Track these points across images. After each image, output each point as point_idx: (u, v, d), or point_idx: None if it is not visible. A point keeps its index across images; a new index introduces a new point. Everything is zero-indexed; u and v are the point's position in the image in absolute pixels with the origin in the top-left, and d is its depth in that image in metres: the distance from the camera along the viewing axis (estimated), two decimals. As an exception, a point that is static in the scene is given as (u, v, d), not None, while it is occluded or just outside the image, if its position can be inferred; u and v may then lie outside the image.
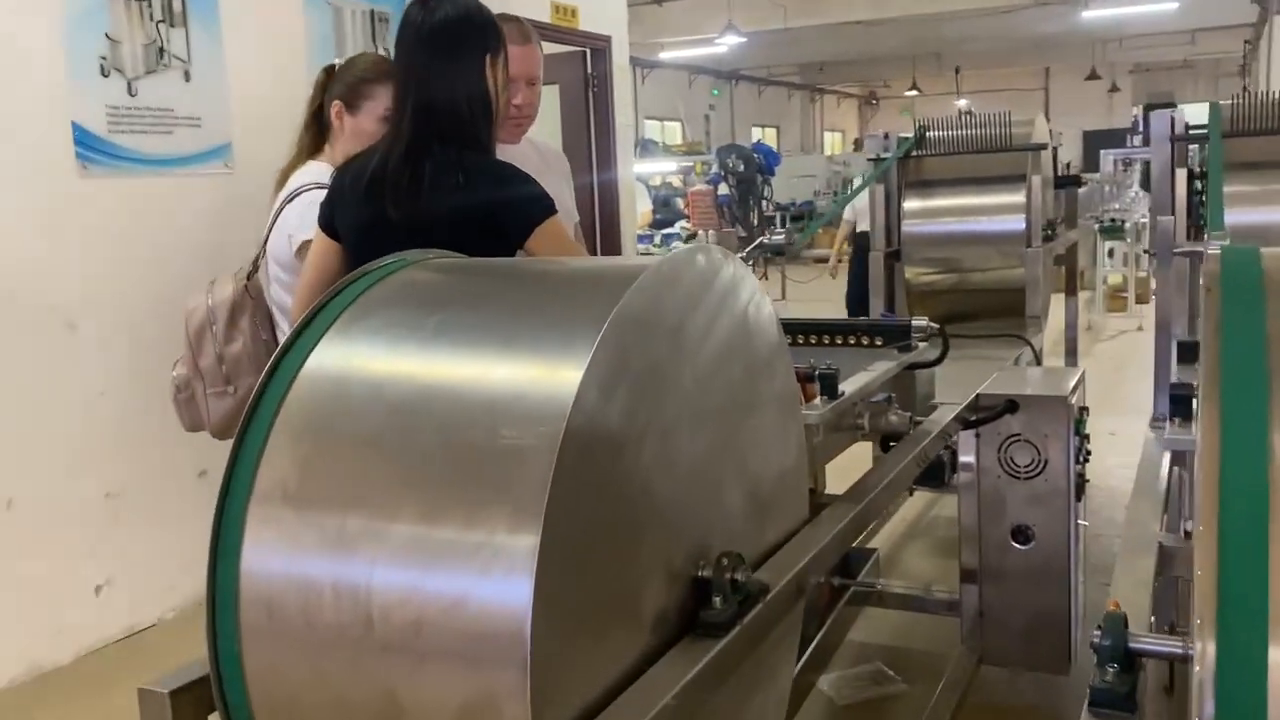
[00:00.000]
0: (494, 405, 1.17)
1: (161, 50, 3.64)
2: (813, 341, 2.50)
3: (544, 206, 1.97)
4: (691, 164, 10.97)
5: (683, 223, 10.15)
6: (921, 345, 2.43)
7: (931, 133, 4.08)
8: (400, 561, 1.12)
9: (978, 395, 2.74)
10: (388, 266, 1.47)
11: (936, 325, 2.41)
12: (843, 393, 1.92)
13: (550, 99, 6.24)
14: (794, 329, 2.53)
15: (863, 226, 7.04)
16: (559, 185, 2.59)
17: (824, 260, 12.22)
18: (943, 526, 4.21)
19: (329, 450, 1.24)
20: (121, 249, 3.52)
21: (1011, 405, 2.68)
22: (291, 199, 2.35)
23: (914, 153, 4.07)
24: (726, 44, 15.50)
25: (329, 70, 2.53)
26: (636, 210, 7.57)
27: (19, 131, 3.25)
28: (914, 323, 2.40)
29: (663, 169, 12.42)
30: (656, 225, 11.79)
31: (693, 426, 1.34)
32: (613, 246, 6.17)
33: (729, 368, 1.44)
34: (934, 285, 4.03)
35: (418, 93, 1.96)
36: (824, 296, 10.11)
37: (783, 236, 2.83)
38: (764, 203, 8.86)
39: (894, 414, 2.06)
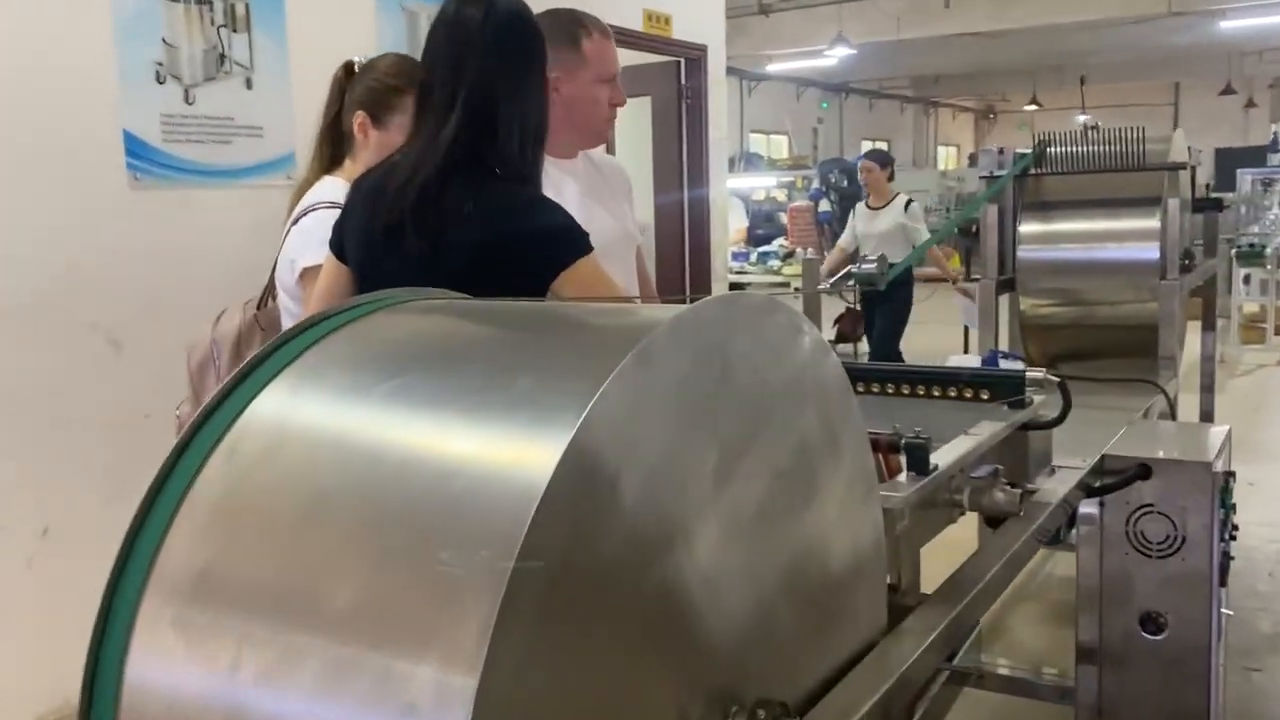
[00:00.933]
0: (435, 512, 0.86)
1: (222, 56, 3.47)
2: (904, 392, 2.13)
3: (573, 245, 1.67)
4: (792, 179, 10.56)
5: (781, 240, 9.75)
6: (1037, 398, 2.05)
7: (1053, 148, 3.65)
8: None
9: (1103, 457, 2.34)
10: (356, 309, 1.19)
11: (1056, 377, 2.02)
12: (935, 467, 1.56)
13: (641, 111, 5.96)
14: (879, 377, 2.17)
15: (867, 254, 6.11)
16: (618, 203, 2.29)
17: (937, 280, 11.66)
18: (1056, 588, 3.76)
19: (239, 547, 0.95)
20: (172, 264, 3.34)
21: (1143, 470, 2.27)
22: (299, 220, 2.08)
23: (1032, 170, 3.65)
24: (836, 56, 15.05)
25: (348, 68, 2.22)
26: (729, 227, 7.25)
27: (66, 140, 3.09)
28: (1028, 374, 2.02)
29: (761, 183, 12.06)
30: (756, 241, 11.43)
31: (720, 532, 1.01)
32: (701, 265, 5.85)
33: (775, 449, 1.11)
34: (1052, 319, 3.60)
35: (471, 102, 1.67)
36: (935, 319, 9.60)
37: (875, 265, 2.49)
38: (868, 220, 8.40)
39: (1000, 490, 1.69)
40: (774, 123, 20.15)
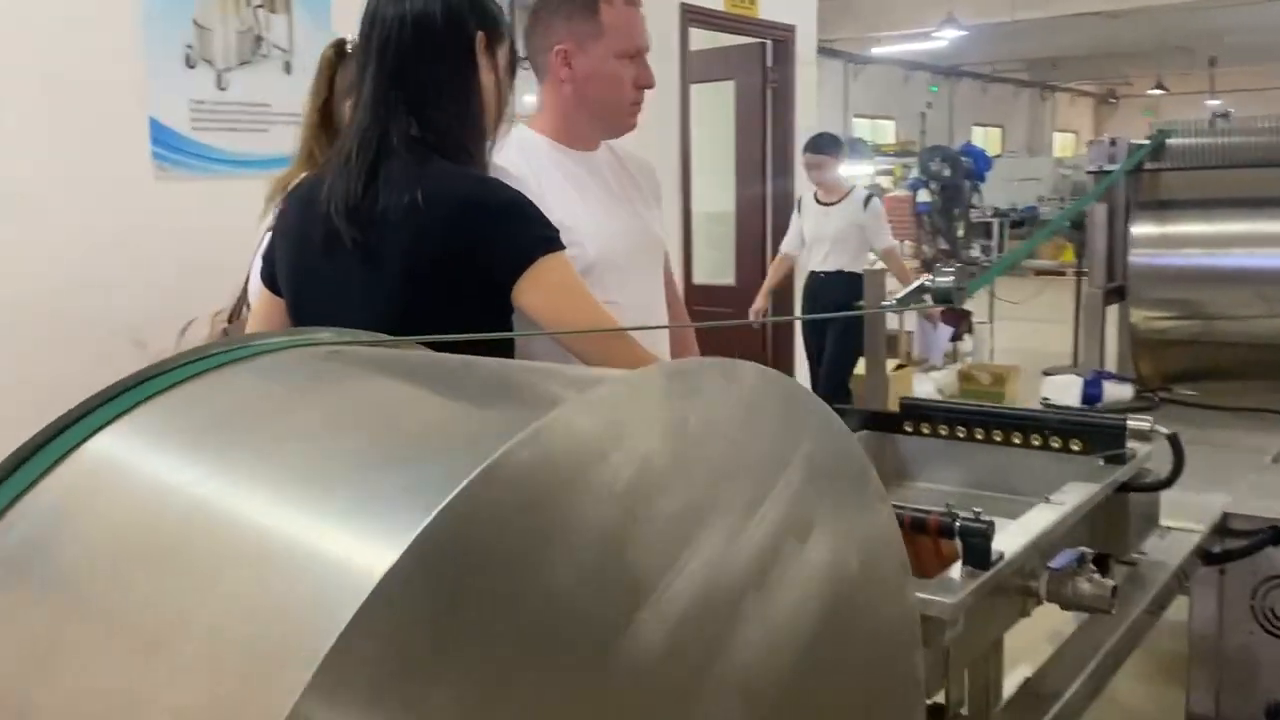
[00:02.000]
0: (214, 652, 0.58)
1: (259, 38, 3.26)
2: (977, 437, 1.78)
3: (538, 239, 1.37)
4: (889, 166, 10.01)
5: (876, 231, 9.28)
6: (1140, 450, 1.67)
7: (1174, 140, 3.20)
8: None
9: (1225, 515, 1.96)
10: (207, 359, 0.91)
11: (1165, 430, 1.65)
12: (999, 557, 1.22)
13: (723, 97, 5.62)
14: (946, 416, 1.82)
15: (818, 264, 5.12)
16: (646, 205, 1.98)
17: (1048, 273, 10.98)
18: (1168, 637, 3.33)
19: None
20: (200, 261, 3.14)
21: (1275, 535, 1.88)
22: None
23: (1148, 165, 3.20)
24: (945, 38, 14.38)
25: (338, 48, 1.95)
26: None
27: (88, 128, 2.91)
28: (1130, 423, 1.65)
29: (858, 171, 11.53)
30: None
31: (658, 695, 0.70)
32: (784, 260, 5.49)
33: (745, 563, 0.80)
34: (1168, 334, 3.16)
35: (384, 75, 1.41)
36: (1043, 318, 9.02)
37: (952, 278, 2.12)
38: (971, 211, 7.87)
39: (1087, 580, 1.34)
40: (879, 107, 19.47)
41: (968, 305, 8.41)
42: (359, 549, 0.63)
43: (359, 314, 1.37)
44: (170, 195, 3.08)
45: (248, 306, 1.94)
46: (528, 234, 1.37)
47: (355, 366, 0.91)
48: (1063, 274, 9.79)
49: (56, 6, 2.84)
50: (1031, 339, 9.25)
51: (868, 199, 5.14)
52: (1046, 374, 4.69)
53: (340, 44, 1.95)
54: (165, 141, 3.06)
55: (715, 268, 5.69)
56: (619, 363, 1.32)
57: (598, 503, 0.67)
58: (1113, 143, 3.28)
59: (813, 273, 5.15)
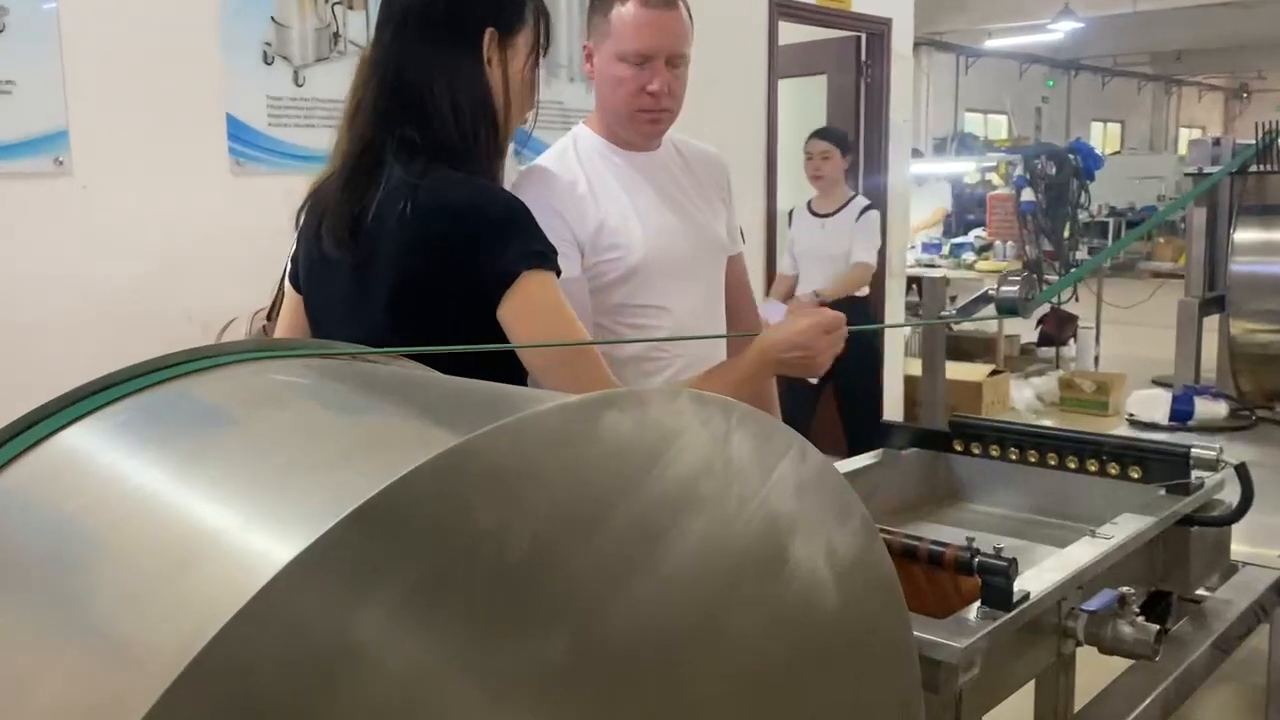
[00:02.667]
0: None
1: (336, 35, 3.28)
2: (1030, 460, 1.67)
3: (526, 254, 1.32)
4: (994, 163, 9.68)
5: (978, 231, 8.95)
6: (1209, 479, 1.55)
7: (1285, 140, 3.00)
8: None
9: (1309, 550, 1.81)
10: (171, 367, 0.89)
11: (1233, 461, 1.52)
12: (1025, 597, 1.13)
13: (816, 91, 5.50)
14: (998, 436, 1.71)
15: (810, 284, 4.34)
16: (708, 204, 1.91)
17: (1165, 275, 10.47)
18: (1260, 669, 3.12)
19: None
20: (274, 256, 3.18)
21: (1364, 574, 1.73)
22: None
23: (1255, 167, 3.01)
24: (1061, 30, 13.87)
25: None
26: (910, 218, 6.62)
27: (167, 123, 2.97)
28: (1194, 450, 1.52)
29: (960, 168, 11.18)
30: (965, 228, 10.58)
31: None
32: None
33: (699, 605, 0.73)
34: (1270, 348, 2.96)
35: (380, 78, 1.38)
36: (1157, 323, 8.63)
37: (1016, 289, 1.97)
38: (1080, 211, 7.55)
39: (1128, 624, 1.23)
40: (993, 101, 18.90)
41: (1071, 309, 8.10)
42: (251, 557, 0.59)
43: (354, 322, 1.35)
44: (247, 190, 3.13)
45: (285, 305, 1.94)
46: (517, 248, 1.32)
47: (297, 382, 0.87)
48: (1180, 277, 9.34)
49: (137, 4, 2.90)
50: (1142, 345, 8.81)
51: (865, 208, 4.46)
52: (1155, 383, 4.46)
53: None
54: (242, 138, 3.11)
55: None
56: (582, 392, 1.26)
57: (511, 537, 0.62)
58: (1216, 142, 3.10)
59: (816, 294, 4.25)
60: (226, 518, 0.64)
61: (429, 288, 1.33)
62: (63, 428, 0.86)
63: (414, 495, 0.56)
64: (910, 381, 5.78)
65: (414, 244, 1.32)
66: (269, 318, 2.01)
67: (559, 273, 1.35)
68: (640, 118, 1.72)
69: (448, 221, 1.32)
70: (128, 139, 2.91)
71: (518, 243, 1.31)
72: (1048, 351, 8.15)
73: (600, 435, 0.65)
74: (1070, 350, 8.22)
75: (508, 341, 1.31)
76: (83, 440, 0.84)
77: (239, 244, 3.11)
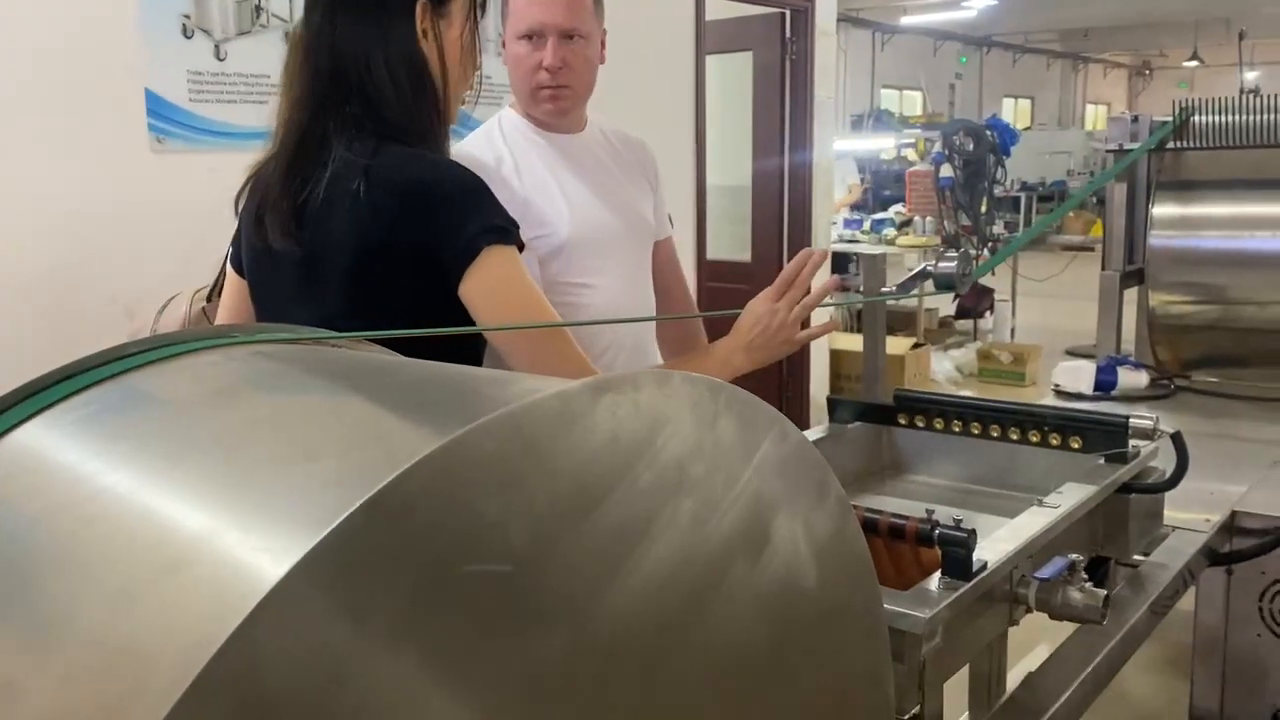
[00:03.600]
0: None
1: (258, 8, 3.19)
2: (973, 432, 1.71)
3: (489, 229, 1.30)
4: (912, 140, 9.84)
5: (898, 207, 9.10)
6: (1144, 448, 1.60)
7: (1199, 117, 3.09)
8: None
9: (1234, 514, 1.89)
10: (130, 357, 0.86)
11: (1169, 430, 1.58)
12: (983, 566, 1.16)
13: (741, 68, 5.51)
14: (941, 409, 1.75)
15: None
16: (636, 187, 1.92)
17: (1075, 248, 10.71)
18: (1176, 629, 3.25)
19: None
20: (198, 235, 3.09)
21: (1286, 536, 1.81)
22: None
23: (1171, 143, 3.10)
24: (976, 7, 14.14)
25: None
26: (835, 194, 6.70)
27: (83, 100, 2.87)
28: (1133, 420, 1.57)
29: (880, 145, 11.34)
30: (883, 204, 10.74)
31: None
32: (799, 234, 5.39)
33: (688, 582, 0.74)
34: (1188, 319, 3.06)
35: (315, 59, 1.35)
36: (1070, 295, 8.90)
37: (954, 264, 2.03)
38: (996, 186, 7.71)
39: (1078, 590, 1.27)
40: (908, 78, 19.18)
41: (988, 282, 8.28)
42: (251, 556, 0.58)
43: (305, 307, 1.32)
44: (168, 168, 3.04)
45: (225, 286, 1.88)
46: (477, 223, 1.30)
47: (265, 369, 0.85)
48: (1091, 249, 9.58)
49: (49, -25, 2.79)
50: (1057, 317, 9.06)
51: None
52: (1069, 354, 4.55)
53: None
54: (162, 114, 3.01)
55: (732, 243, 5.59)
56: (551, 371, 1.25)
57: (505, 531, 0.61)
58: (1134, 119, 3.18)
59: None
60: (216, 515, 0.63)
61: (386, 266, 1.30)
62: (15, 426, 0.83)
63: (420, 486, 0.55)
64: (836, 355, 5.87)
65: (370, 222, 1.29)
66: (209, 299, 1.95)
67: (521, 247, 1.34)
68: (540, 95, 1.74)
69: (405, 198, 1.30)
70: (41, 117, 2.80)
71: (478, 217, 1.30)
72: (966, 324, 8.33)
73: (598, 419, 0.65)
74: (987, 322, 8.41)
75: (468, 318, 1.29)
76: (39, 438, 0.81)
77: (161, 223, 3.02)
